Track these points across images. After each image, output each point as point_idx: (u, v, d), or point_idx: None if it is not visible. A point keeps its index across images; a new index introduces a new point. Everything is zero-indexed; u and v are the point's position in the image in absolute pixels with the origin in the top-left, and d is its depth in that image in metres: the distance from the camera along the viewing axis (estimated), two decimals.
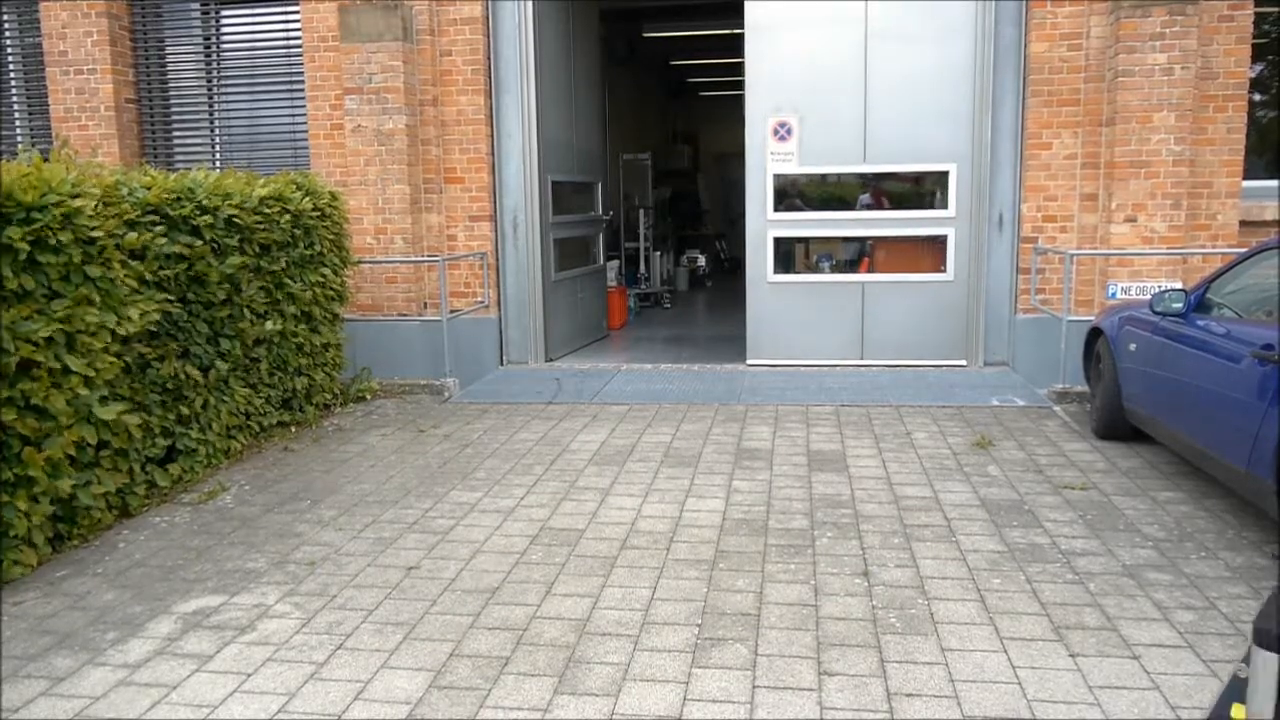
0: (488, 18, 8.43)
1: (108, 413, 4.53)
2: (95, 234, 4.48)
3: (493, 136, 8.57)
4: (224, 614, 3.78)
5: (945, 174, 8.12)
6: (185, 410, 5.39)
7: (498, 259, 8.73)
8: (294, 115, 8.83)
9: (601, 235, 10.52)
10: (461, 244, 8.59)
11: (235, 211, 5.74)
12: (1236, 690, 1.93)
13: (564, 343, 9.32)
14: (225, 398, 5.79)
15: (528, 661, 3.33)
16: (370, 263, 8.15)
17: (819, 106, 8.19)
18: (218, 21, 9.03)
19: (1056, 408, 6.93)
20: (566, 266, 9.39)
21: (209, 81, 9.08)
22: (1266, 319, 4.44)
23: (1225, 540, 4.32)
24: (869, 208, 8.36)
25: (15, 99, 9.38)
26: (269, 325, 6.10)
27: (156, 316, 4.96)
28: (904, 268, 8.37)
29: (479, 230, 8.57)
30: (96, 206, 4.55)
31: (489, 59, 8.47)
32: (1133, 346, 5.58)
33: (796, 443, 6.09)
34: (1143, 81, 7.25)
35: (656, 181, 14.82)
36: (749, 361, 8.53)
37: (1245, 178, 7.55)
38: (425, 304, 8.45)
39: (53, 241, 4.24)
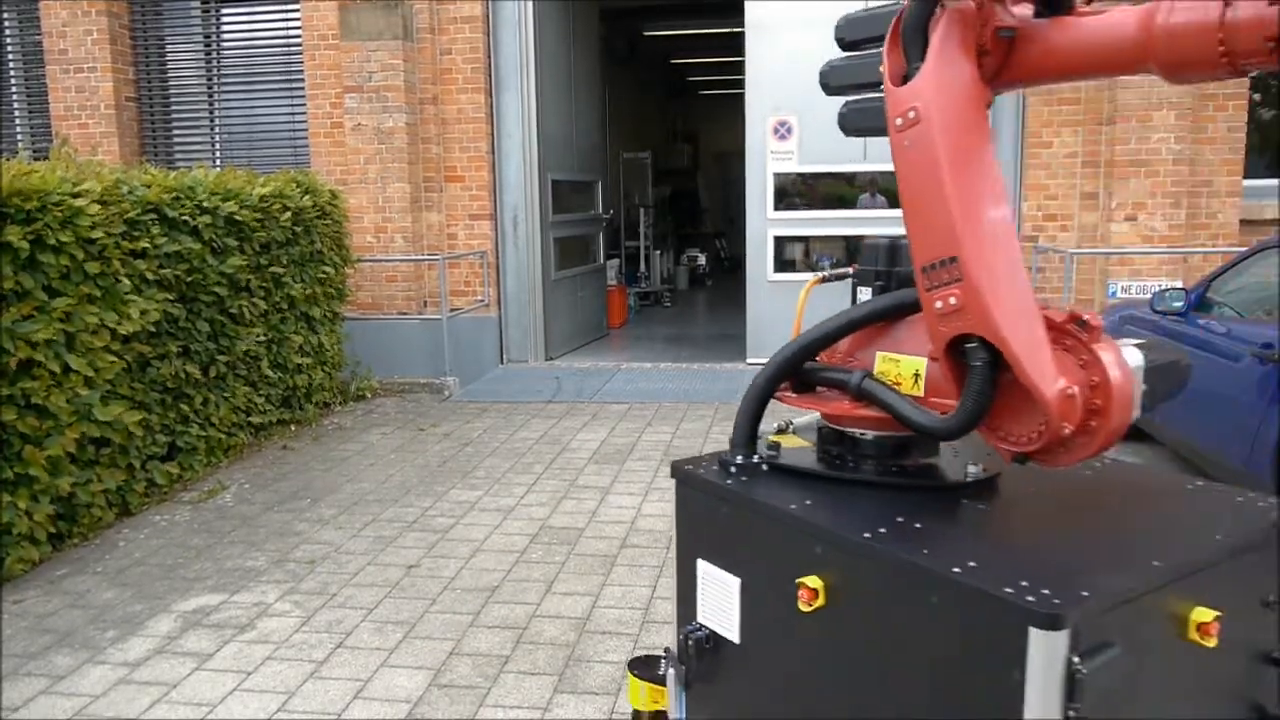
0: (488, 16, 8.42)
1: (107, 413, 4.53)
2: (95, 234, 4.49)
3: (493, 135, 8.57)
4: (224, 612, 3.78)
5: None
6: (186, 408, 5.39)
7: (498, 257, 8.73)
8: (294, 113, 8.83)
9: (601, 234, 10.52)
10: (461, 242, 8.59)
11: (235, 209, 5.74)
12: None
13: (564, 341, 9.32)
14: (225, 396, 5.79)
15: (528, 660, 3.34)
16: (370, 261, 8.15)
17: (819, 105, 8.07)
18: (218, 19, 9.03)
19: None
20: (566, 265, 9.40)
21: (209, 79, 9.07)
22: (1266, 318, 4.44)
23: None
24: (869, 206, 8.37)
25: (15, 97, 9.38)
26: (253, 337, 6.04)
27: (157, 315, 4.96)
28: None
29: (479, 229, 8.57)
30: (98, 208, 4.55)
31: (489, 57, 8.47)
32: None
33: None
34: (1143, 80, 7.23)
35: (656, 180, 14.82)
36: (749, 360, 8.53)
37: (1246, 176, 7.54)
38: (425, 302, 8.45)
39: (52, 241, 4.24)
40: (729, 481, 1.94)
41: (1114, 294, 7.39)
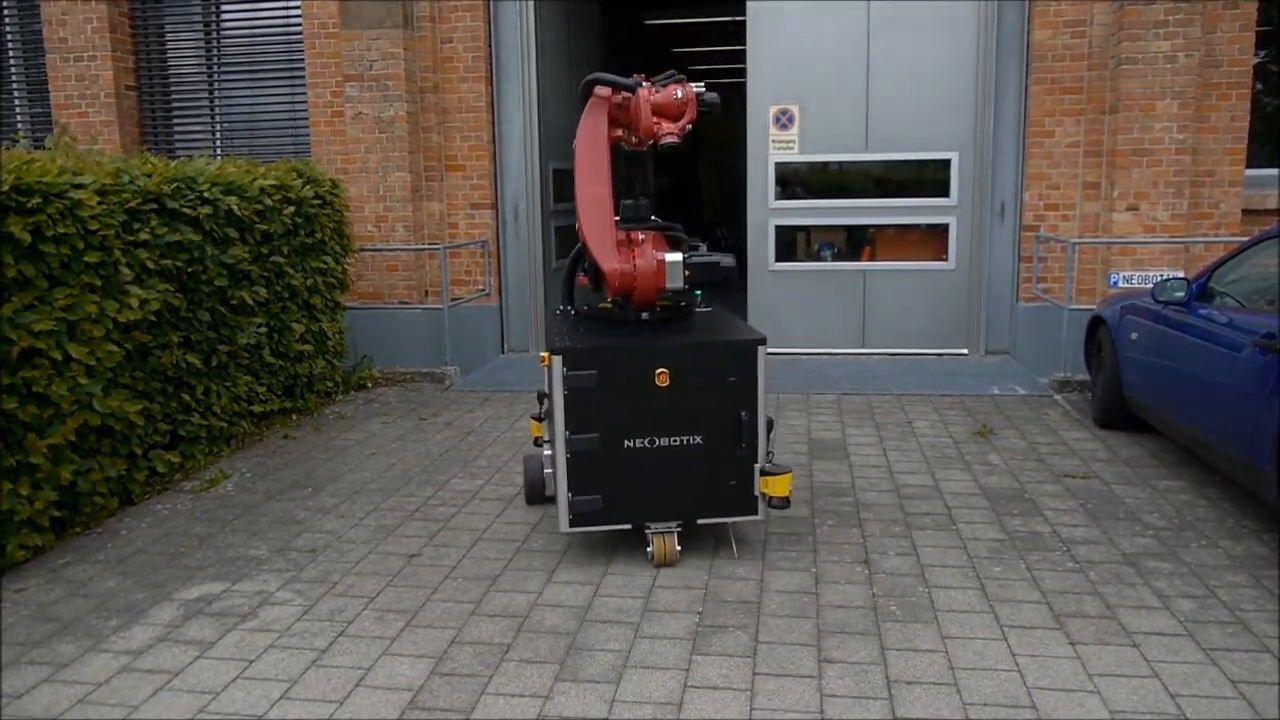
0: (488, 5, 8.39)
1: (106, 404, 4.53)
2: (94, 225, 4.48)
3: (494, 124, 8.55)
4: (226, 601, 3.79)
5: (947, 162, 8.10)
6: (187, 397, 5.39)
7: (499, 247, 8.72)
8: (294, 102, 8.81)
9: None
10: (462, 231, 8.58)
11: (236, 204, 5.73)
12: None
13: None
14: (227, 385, 5.79)
15: (529, 648, 3.35)
16: (371, 250, 8.15)
17: (821, 94, 8.16)
18: (218, 7, 9.00)
19: (1058, 396, 6.93)
20: (568, 254, 9.36)
21: (209, 68, 9.05)
22: (1268, 308, 4.44)
23: (1225, 529, 4.32)
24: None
25: (15, 86, 9.35)
26: (254, 327, 6.09)
27: (157, 305, 4.96)
28: (905, 256, 8.36)
29: (480, 218, 8.55)
30: (99, 201, 4.54)
31: (490, 46, 8.44)
32: (1134, 335, 5.58)
33: (797, 431, 6.09)
34: (1146, 69, 7.23)
35: (657, 170, 14.74)
36: None
37: (1248, 166, 7.52)
38: (426, 292, 8.45)
39: (51, 233, 4.23)
40: (555, 315, 4.57)
41: (1115, 283, 7.38)
